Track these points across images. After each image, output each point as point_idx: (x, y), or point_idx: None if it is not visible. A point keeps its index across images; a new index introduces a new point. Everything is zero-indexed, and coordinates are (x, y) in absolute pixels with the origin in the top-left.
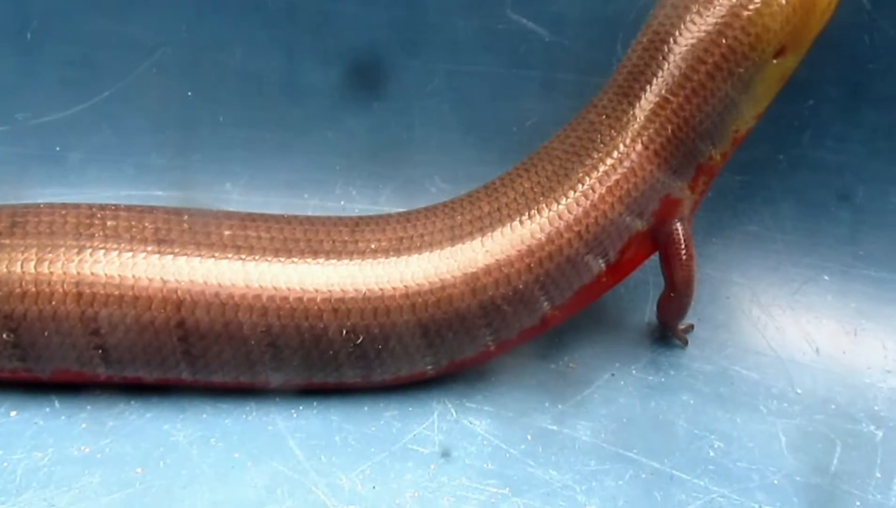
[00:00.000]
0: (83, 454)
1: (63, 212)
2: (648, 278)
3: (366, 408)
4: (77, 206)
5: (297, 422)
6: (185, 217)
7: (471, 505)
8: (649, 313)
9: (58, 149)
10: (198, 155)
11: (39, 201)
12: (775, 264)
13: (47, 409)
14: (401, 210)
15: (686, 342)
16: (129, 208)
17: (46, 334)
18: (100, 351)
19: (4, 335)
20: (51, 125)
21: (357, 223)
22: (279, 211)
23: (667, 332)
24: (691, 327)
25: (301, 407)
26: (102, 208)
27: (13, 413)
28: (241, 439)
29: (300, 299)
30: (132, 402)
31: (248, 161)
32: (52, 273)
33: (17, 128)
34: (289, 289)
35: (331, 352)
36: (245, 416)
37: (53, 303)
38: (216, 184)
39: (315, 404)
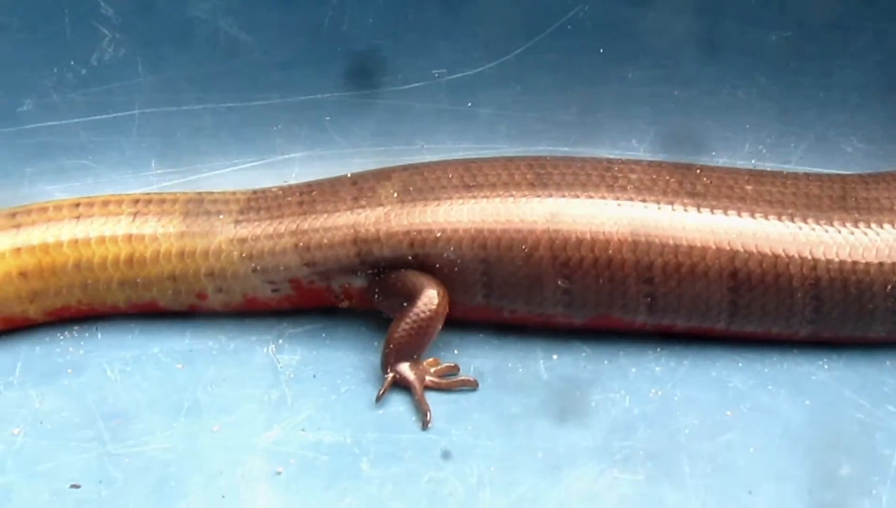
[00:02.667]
0: (658, 396)
1: (579, 165)
2: None
3: (887, 363)
4: (584, 159)
5: (833, 373)
6: (698, 172)
7: None
8: None
9: (469, 104)
10: (603, 112)
11: (452, 156)
12: None
13: (583, 354)
14: (813, 170)
15: None
16: (636, 162)
17: (600, 281)
18: (648, 299)
19: (560, 282)
20: (463, 81)
21: (867, 181)
22: None
23: None
24: None
25: (826, 359)
26: (610, 162)
27: (555, 357)
28: (791, 385)
29: (848, 255)
30: (658, 349)
31: (654, 118)
32: (603, 222)
33: (432, 84)
34: (837, 244)
35: (870, 307)
36: (779, 366)
37: (610, 251)
38: (621, 140)
39: (835, 356)
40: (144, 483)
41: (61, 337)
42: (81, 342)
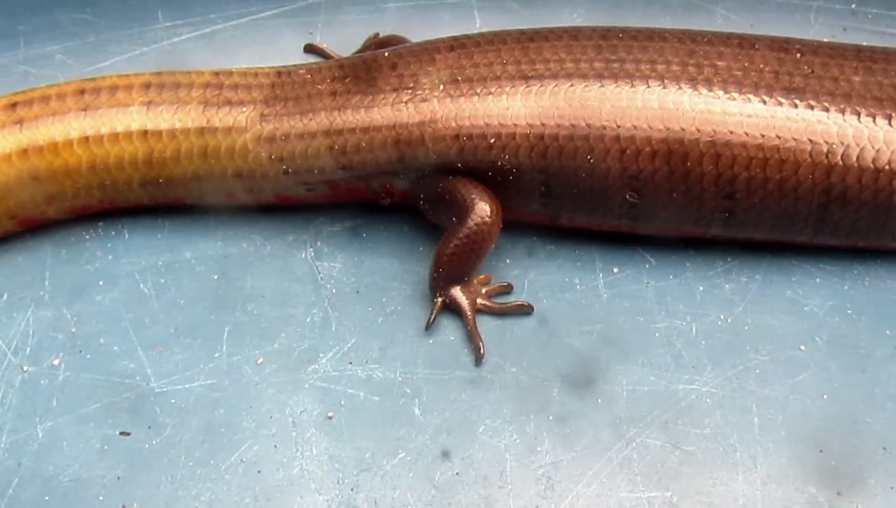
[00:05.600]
0: (727, 324)
1: (657, 48)
2: None
3: None
4: (663, 37)
5: None
6: (798, 55)
7: None
8: None
9: None
10: None
11: None
12: None
13: (646, 266)
14: None
15: None
16: (726, 41)
17: (674, 195)
18: (726, 215)
19: (628, 196)
20: None
21: None
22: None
23: None
24: None
25: None
26: (695, 41)
27: (615, 270)
28: (872, 308)
29: None
30: (729, 260)
31: None
32: (683, 129)
33: None
34: None
35: None
36: (860, 282)
37: (688, 164)
38: None
39: None
40: (194, 430)
41: (87, 237)
42: (109, 245)
